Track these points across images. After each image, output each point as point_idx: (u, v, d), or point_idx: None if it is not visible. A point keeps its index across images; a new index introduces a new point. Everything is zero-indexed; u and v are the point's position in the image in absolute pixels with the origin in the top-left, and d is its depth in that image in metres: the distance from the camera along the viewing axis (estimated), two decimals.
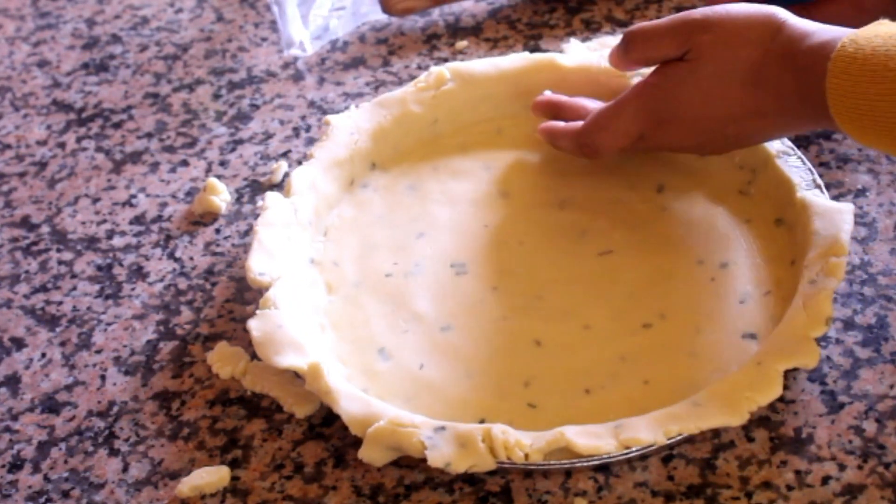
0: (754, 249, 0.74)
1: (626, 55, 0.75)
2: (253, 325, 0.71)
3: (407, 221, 0.80)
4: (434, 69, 0.85)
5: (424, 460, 0.64)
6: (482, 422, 0.67)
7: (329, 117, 0.83)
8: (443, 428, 0.65)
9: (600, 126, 0.76)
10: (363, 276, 0.77)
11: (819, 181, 0.73)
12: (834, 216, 0.70)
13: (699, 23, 0.71)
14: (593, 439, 0.63)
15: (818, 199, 0.72)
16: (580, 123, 0.78)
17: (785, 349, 0.65)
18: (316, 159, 0.81)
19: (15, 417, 0.74)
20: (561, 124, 0.79)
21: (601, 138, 0.76)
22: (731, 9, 0.71)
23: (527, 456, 0.63)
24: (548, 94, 0.83)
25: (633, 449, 0.63)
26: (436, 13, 1.00)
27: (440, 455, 0.63)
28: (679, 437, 0.63)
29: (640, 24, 0.74)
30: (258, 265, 0.75)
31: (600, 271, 0.75)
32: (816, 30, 0.68)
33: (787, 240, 0.73)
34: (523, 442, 0.63)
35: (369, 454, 0.65)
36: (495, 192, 0.81)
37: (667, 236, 0.76)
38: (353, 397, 0.67)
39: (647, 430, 0.63)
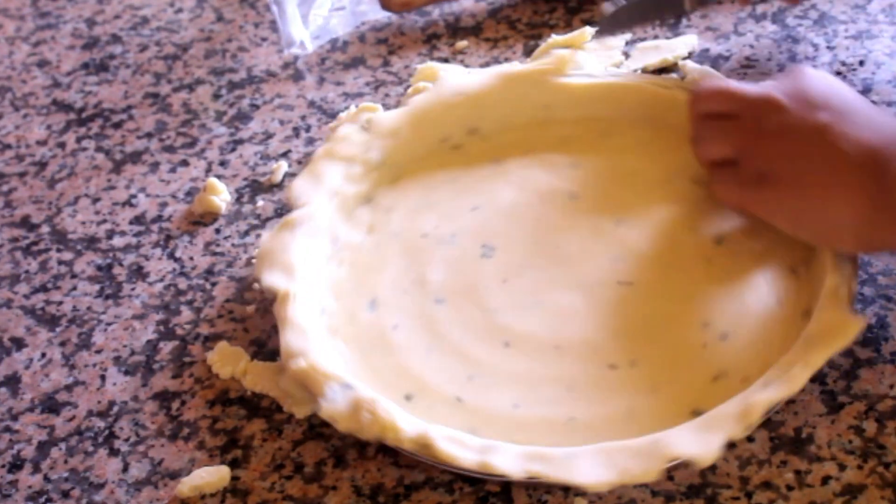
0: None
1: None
2: (265, 237, 0.76)
3: (471, 189, 0.81)
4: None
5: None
6: (408, 398, 0.69)
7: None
8: (349, 386, 0.67)
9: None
10: (403, 229, 0.79)
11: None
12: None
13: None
14: (457, 448, 0.64)
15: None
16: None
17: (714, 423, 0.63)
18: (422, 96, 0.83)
19: (15, 417, 0.74)
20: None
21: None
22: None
23: (401, 442, 0.64)
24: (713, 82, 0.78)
25: (493, 473, 0.63)
26: (436, 13, 1.00)
27: (330, 409, 0.66)
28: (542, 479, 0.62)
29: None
30: (301, 188, 0.78)
31: (609, 298, 0.73)
32: None
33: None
34: (398, 426, 0.65)
35: (286, 384, 0.70)
36: (566, 192, 0.80)
37: (695, 286, 0.73)
38: (300, 332, 0.70)
39: (513, 461, 0.63)
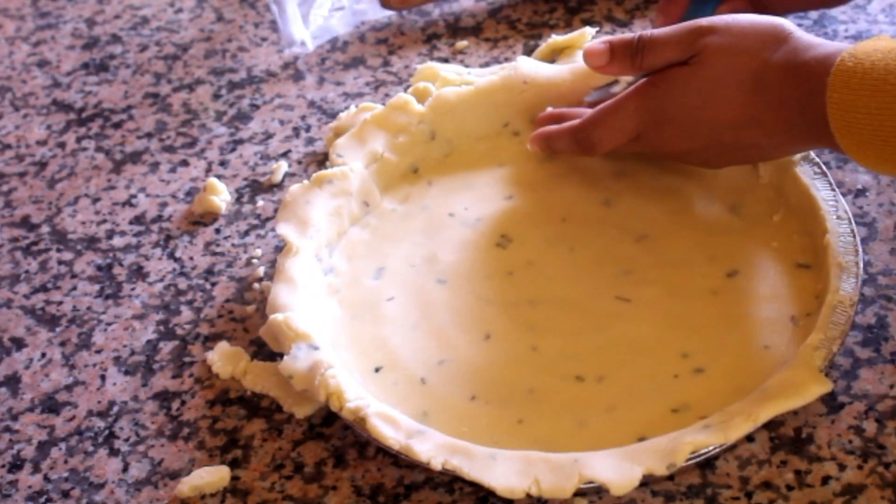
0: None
1: (632, 61, 0.74)
2: (295, 187, 0.78)
3: (513, 179, 0.82)
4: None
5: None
6: (377, 370, 0.71)
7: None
8: (315, 348, 0.70)
9: (598, 121, 0.76)
10: (435, 204, 0.81)
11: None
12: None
13: (706, 29, 0.71)
14: (388, 427, 0.65)
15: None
16: (577, 121, 0.78)
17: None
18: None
19: (15, 417, 0.74)
20: (554, 127, 0.79)
21: (598, 134, 0.76)
22: (738, 18, 0.72)
23: (341, 409, 0.66)
24: (549, 110, 0.83)
25: (412, 458, 0.64)
26: (436, 13, 1.00)
27: (290, 366, 0.69)
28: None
29: (647, 32, 0.74)
30: (342, 147, 0.81)
31: (601, 311, 0.73)
32: (819, 43, 0.68)
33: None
34: (343, 395, 0.66)
35: (264, 332, 0.73)
36: (601, 198, 0.80)
37: (690, 315, 0.72)
38: (292, 287, 0.73)
39: (435, 451, 0.64)
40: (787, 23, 0.70)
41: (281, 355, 0.71)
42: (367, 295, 0.76)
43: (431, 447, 0.64)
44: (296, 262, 0.75)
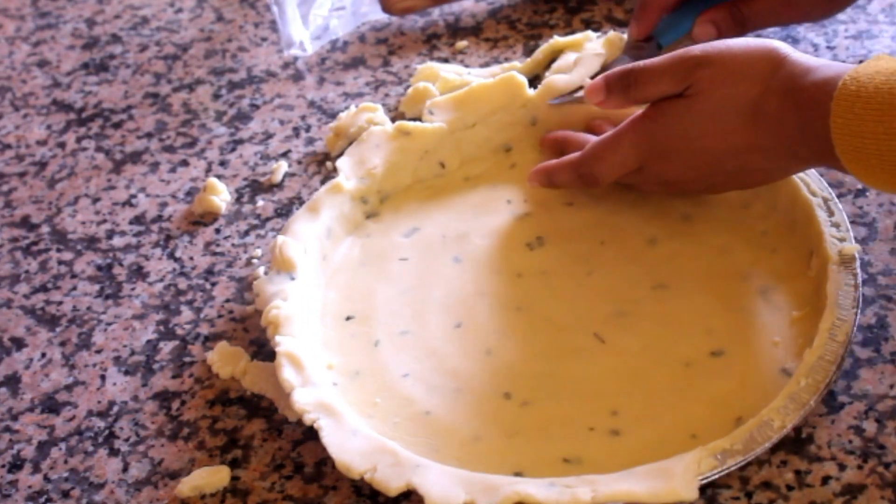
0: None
1: (626, 94, 0.74)
2: (372, 129, 0.81)
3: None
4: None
5: None
6: (348, 317, 0.74)
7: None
8: (292, 279, 0.73)
9: (598, 157, 0.75)
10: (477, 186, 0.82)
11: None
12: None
13: (698, 59, 0.70)
14: (292, 371, 0.68)
15: None
16: (577, 154, 0.77)
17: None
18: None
19: (15, 417, 0.74)
20: (554, 162, 0.79)
21: (599, 168, 0.75)
22: (731, 44, 0.71)
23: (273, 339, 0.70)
24: (555, 133, 0.83)
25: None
26: (436, 13, 1.00)
27: (258, 286, 0.74)
28: None
29: (639, 64, 0.73)
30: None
31: (576, 345, 0.72)
32: (818, 66, 0.67)
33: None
34: (280, 328, 0.70)
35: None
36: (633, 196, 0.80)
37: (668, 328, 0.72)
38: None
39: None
40: (781, 45, 0.69)
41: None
42: (388, 248, 0.78)
43: (311, 403, 0.67)
44: (332, 198, 0.78)
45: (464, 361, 0.71)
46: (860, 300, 0.67)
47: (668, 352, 0.70)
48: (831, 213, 0.72)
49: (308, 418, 0.66)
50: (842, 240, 0.70)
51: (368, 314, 0.75)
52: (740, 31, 0.84)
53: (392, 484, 0.62)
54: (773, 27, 0.89)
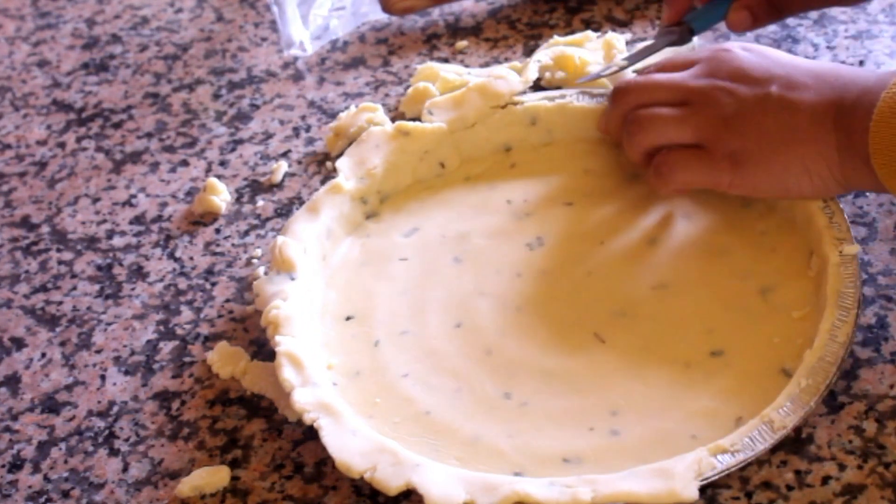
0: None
1: (663, 182, 0.75)
2: (371, 129, 0.81)
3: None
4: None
5: None
6: (348, 317, 0.75)
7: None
8: (292, 279, 0.73)
9: (684, 167, 0.75)
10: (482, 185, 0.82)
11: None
12: None
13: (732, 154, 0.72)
14: (291, 370, 0.69)
15: None
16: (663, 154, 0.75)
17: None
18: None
19: (15, 417, 0.74)
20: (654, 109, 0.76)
21: (682, 177, 0.75)
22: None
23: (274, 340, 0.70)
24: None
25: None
26: (436, 13, 1.00)
27: (258, 286, 0.74)
28: None
29: (669, 155, 0.74)
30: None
31: (575, 343, 0.72)
32: (853, 77, 0.68)
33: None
34: (280, 328, 0.70)
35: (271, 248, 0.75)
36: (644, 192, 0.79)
37: (665, 328, 0.72)
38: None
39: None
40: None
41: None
42: (388, 248, 0.78)
43: (311, 402, 0.67)
44: (332, 198, 0.78)
45: (464, 361, 0.71)
46: (860, 300, 0.68)
47: (668, 352, 0.70)
48: (831, 213, 0.72)
49: (308, 418, 0.66)
50: (842, 240, 0.70)
51: (368, 314, 0.75)
52: (777, 17, 0.83)
53: (392, 483, 0.63)
54: (810, 11, 0.89)
